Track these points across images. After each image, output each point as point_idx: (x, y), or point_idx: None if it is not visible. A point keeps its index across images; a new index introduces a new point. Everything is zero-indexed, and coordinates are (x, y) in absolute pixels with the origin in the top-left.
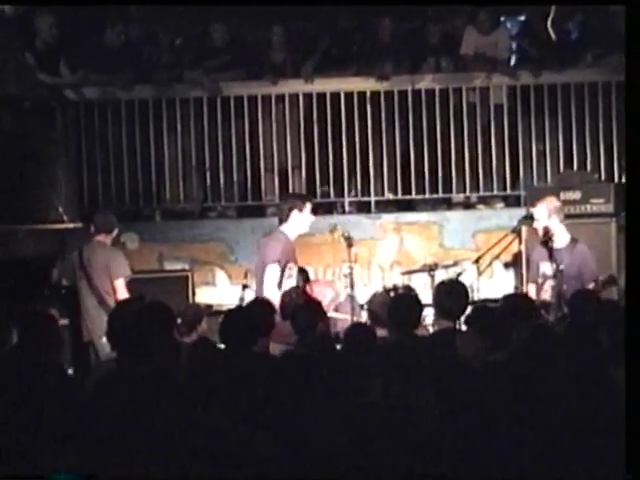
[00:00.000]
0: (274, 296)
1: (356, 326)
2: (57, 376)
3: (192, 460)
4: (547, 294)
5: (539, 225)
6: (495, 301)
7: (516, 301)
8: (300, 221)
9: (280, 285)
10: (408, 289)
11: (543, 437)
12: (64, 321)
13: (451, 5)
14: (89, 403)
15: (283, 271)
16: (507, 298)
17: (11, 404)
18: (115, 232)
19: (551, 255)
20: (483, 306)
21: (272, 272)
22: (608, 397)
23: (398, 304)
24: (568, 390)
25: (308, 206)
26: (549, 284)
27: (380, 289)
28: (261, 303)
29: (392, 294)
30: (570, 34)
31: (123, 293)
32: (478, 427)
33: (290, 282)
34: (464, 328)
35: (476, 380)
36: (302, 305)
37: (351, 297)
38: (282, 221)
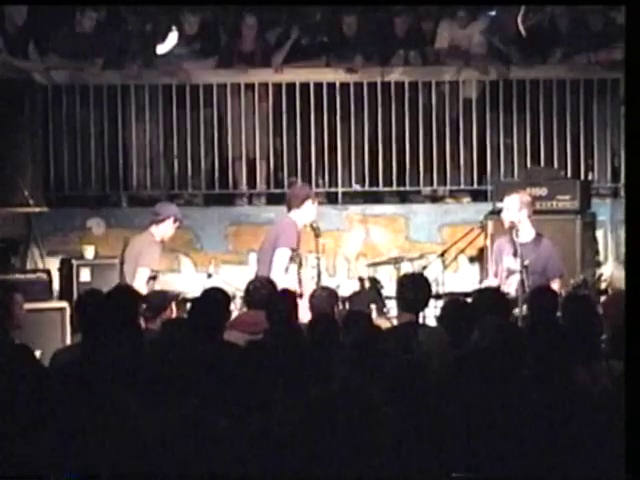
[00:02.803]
0: (280, 279)
1: (319, 318)
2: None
3: (155, 449)
4: (511, 288)
5: (507, 215)
6: (462, 295)
7: (488, 295)
8: (310, 211)
9: (286, 270)
10: (373, 281)
11: (541, 437)
12: (31, 305)
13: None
14: (43, 389)
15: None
16: (480, 292)
17: None
18: (167, 222)
19: (516, 249)
20: (454, 300)
21: (283, 255)
22: (607, 396)
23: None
24: (567, 389)
25: (315, 198)
26: (513, 278)
27: (325, 284)
28: (217, 291)
29: (337, 289)
30: (540, 31)
31: (140, 281)
32: (471, 426)
33: (293, 268)
34: (430, 322)
35: (445, 374)
36: (276, 294)
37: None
38: (291, 208)
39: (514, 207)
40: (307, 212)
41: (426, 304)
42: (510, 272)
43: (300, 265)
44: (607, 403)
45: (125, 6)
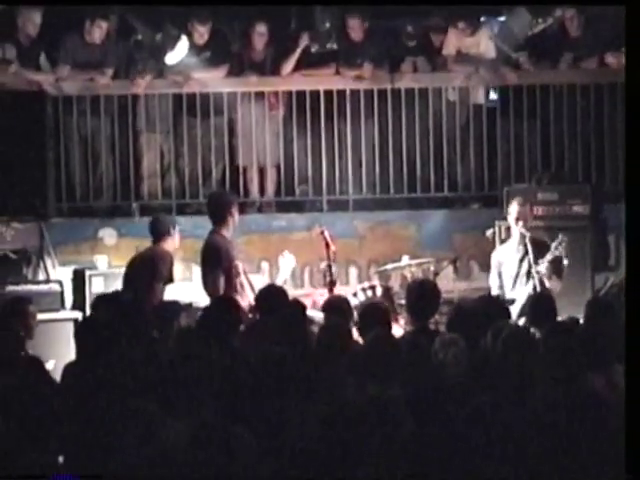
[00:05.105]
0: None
1: (331, 325)
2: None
3: (167, 456)
4: (518, 294)
5: (519, 226)
6: (472, 301)
7: (487, 302)
8: (235, 221)
9: (232, 286)
10: (385, 289)
11: (542, 437)
12: (44, 316)
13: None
14: (53, 399)
15: (230, 272)
16: (485, 299)
17: None
18: (167, 237)
19: (523, 255)
20: (462, 306)
21: (216, 276)
22: (608, 396)
23: (366, 311)
24: (567, 390)
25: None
26: (520, 283)
27: (340, 292)
28: (228, 299)
29: (354, 299)
30: (549, 36)
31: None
32: (470, 427)
33: (240, 280)
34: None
35: (459, 379)
36: (288, 302)
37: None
38: (215, 222)
39: (525, 216)
40: (233, 224)
41: (435, 311)
42: (516, 277)
43: (238, 274)
44: (607, 404)
45: (135, 16)
